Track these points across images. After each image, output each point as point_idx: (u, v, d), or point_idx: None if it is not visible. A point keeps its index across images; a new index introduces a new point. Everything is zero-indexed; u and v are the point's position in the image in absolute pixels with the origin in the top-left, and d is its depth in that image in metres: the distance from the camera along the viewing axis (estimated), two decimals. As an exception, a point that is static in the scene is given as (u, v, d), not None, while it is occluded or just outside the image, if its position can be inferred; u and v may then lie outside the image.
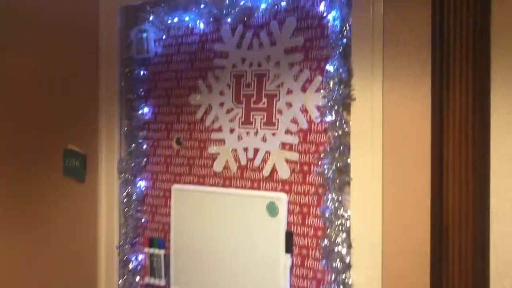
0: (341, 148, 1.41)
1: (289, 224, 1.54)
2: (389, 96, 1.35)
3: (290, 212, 1.54)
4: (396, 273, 1.33)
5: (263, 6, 1.59)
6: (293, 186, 1.55)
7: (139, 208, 1.91)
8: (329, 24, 1.46)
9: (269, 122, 1.60)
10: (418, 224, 1.30)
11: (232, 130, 1.69)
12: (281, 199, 1.54)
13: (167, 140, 1.86)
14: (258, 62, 1.62)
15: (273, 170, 1.59)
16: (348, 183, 1.41)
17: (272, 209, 1.56)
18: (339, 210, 1.42)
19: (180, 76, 1.82)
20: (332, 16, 1.45)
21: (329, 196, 1.44)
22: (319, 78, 1.48)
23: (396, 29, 1.34)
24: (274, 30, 1.58)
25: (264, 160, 1.61)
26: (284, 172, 1.56)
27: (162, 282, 1.84)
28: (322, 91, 1.47)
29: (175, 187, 1.81)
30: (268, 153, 1.60)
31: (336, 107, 1.42)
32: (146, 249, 1.89)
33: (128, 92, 1.93)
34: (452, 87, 1.23)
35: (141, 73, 1.91)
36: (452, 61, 1.23)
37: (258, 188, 1.62)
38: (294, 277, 1.53)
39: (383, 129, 1.35)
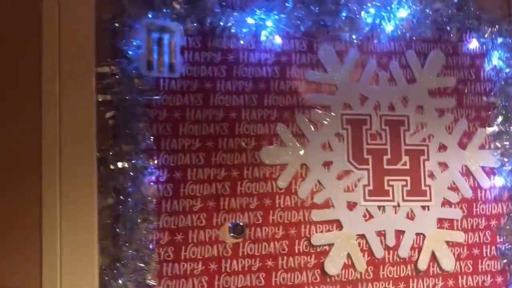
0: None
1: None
2: None
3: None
4: None
5: (390, 27, 1.13)
6: (460, 280, 1.10)
7: None
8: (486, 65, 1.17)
9: (417, 191, 1.11)
10: None
11: (351, 206, 1.08)
12: (453, 303, 1.07)
13: (209, 228, 1.02)
14: (389, 104, 1.12)
15: (431, 260, 1.09)
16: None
17: (442, 320, 1.05)
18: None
19: (234, 116, 1.06)
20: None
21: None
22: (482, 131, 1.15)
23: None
24: (413, 63, 1.14)
25: (414, 248, 1.09)
26: (448, 262, 1.10)
27: None
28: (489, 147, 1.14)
29: None
30: (420, 235, 1.09)
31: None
32: None
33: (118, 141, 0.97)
34: None
35: (145, 103, 1.01)
36: None
37: (407, 290, 1.08)
38: None
39: None
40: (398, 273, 1.09)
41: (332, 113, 1.10)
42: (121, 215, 0.98)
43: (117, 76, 0.99)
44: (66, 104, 0.95)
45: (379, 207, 1.10)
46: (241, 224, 1.04)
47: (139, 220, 0.98)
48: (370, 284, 1.07)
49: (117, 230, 0.98)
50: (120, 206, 0.97)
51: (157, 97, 1.01)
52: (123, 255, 0.96)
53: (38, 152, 0.92)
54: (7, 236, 0.90)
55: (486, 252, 1.14)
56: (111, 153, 0.98)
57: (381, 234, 1.09)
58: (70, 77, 0.95)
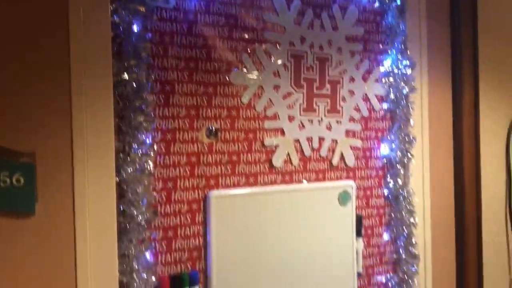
0: (402, 134, 1.62)
1: (356, 209, 1.57)
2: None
3: (356, 197, 1.57)
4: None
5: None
6: (357, 172, 1.58)
7: (143, 236, 1.24)
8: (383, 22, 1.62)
9: (334, 110, 1.53)
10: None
11: (291, 118, 1.46)
12: (352, 186, 1.55)
13: (192, 131, 1.32)
14: (319, 45, 1.50)
15: (340, 159, 1.55)
16: (408, 163, 1.64)
17: (345, 198, 1.53)
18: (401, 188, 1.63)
19: (212, 44, 1.34)
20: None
21: (391, 177, 1.62)
22: (378, 69, 1.61)
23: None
24: (337, 15, 1.53)
25: (330, 150, 1.53)
26: (350, 160, 1.56)
27: (199, 331, 1.32)
28: (381, 81, 1.61)
29: (214, 194, 1.34)
30: (334, 141, 1.53)
31: (394, 97, 1.62)
32: (168, 295, 1.27)
33: (120, 56, 1.20)
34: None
35: (141, 28, 1.23)
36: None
37: (324, 179, 1.52)
38: (363, 258, 1.59)
39: (429, 116, 1.70)
40: (319, 167, 1.52)
41: (281, 48, 1.46)
42: (125, 117, 1.23)
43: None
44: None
45: (309, 120, 1.50)
46: (214, 128, 1.37)
47: (139, 120, 1.24)
48: (301, 174, 1.50)
49: (122, 128, 1.23)
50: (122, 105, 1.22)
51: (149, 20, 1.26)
52: (129, 147, 1.22)
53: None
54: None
55: (374, 155, 1.64)
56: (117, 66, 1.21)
57: (309, 139, 1.50)
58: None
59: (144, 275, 1.22)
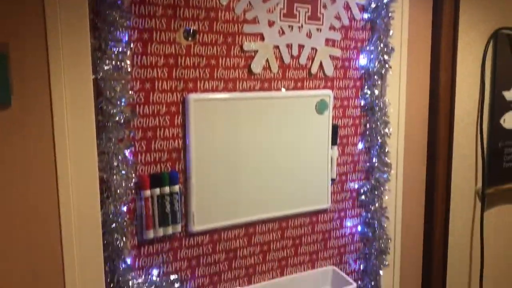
0: (381, 44, 1.63)
1: (333, 118, 1.60)
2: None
3: (333, 107, 1.60)
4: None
5: None
6: (335, 82, 1.60)
7: (122, 135, 1.25)
8: None
9: (314, 17, 1.51)
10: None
11: (271, 23, 1.45)
12: (330, 95, 1.57)
13: (169, 31, 1.30)
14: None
15: (319, 68, 1.55)
16: (385, 74, 1.66)
17: (322, 107, 1.55)
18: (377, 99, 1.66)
19: None
20: None
21: (368, 88, 1.64)
22: (359, -22, 1.58)
23: None
24: None
25: (309, 58, 1.53)
26: (329, 69, 1.57)
27: (178, 228, 1.37)
28: (363, -10, 1.59)
29: (193, 97, 1.34)
30: (314, 49, 1.53)
31: (374, 6, 1.60)
32: (147, 192, 1.31)
33: None
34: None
35: None
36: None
37: (302, 87, 1.53)
38: (337, 166, 1.64)
39: (409, 27, 1.70)
40: (298, 75, 1.53)
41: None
42: (100, 13, 1.19)
43: None
44: None
45: (289, 26, 1.49)
46: (192, 30, 1.34)
47: (115, 16, 1.21)
48: (279, 81, 1.50)
49: (98, 25, 1.20)
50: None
51: None
52: (105, 45, 1.20)
53: None
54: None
55: (353, 65, 1.64)
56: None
57: (289, 46, 1.50)
58: None
59: (124, 172, 1.25)
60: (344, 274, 1.63)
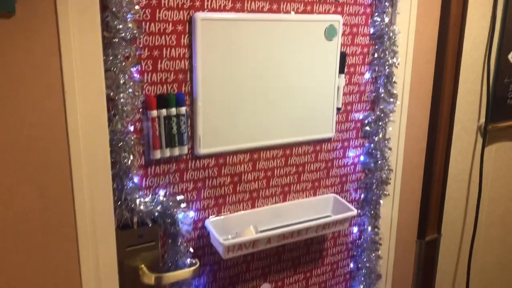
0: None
1: (341, 46, 1.57)
2: None
3: (342, 34, 1.57)
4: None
5: None
6: (345, 7, 1.55)
7: (129, 51, 1.23)
8: None
9: None
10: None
11: None
12: (339, 21, 1.53)
13: None
14: None
15: (329, -9, 1.51)
16: (395, 2, 1.61)
17: (331, 32, 1.52)
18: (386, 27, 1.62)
19: None
20: None
21: (378, 15, 1.60)
22: None
23: None
24: None
25: (320, -20, 1.48)
26: None
27: (184, 150, 1.38)
28: None
29: (200, 16, 1.30)
30: (325, -28, 1.48)
31: None
32: (154, 112, 1.30)
33: None
34: None
35: None
36: None
37: (312, 11, 1.49)
38: (343, 95, 1.63)
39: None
40: (307, -2, 1.50)
41: None
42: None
43: None
44: None
45: None
46: None
47: None
48: (288, 4, 1.44)
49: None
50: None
51: None
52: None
53: None
54: None
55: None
56: None
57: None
58: None
59: (131, 90, 1.23)
60: (345, 201, 1.66)
